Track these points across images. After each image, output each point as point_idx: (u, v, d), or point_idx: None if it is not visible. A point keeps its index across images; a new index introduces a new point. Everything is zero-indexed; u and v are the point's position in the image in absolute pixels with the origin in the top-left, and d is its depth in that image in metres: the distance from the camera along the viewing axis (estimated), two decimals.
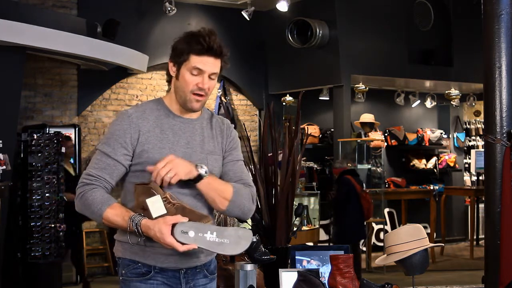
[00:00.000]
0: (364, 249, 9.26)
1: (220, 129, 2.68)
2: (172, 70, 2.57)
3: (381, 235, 10.20)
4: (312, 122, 10.47)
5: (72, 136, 8.17)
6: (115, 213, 2.43)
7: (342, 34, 9.10)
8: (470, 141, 12.13)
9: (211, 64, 2.50)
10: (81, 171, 7.93)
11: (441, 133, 11.59)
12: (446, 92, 10.52)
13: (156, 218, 2.38)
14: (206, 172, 2.49)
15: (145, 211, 2.41)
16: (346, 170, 7.87)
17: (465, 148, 12.04)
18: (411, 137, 11.18)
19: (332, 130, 9.71)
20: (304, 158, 9.58)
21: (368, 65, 9.37)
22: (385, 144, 10.46)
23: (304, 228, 7.75)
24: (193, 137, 2.59)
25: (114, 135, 2.51)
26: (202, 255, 2.59)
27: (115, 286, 2.64)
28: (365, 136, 10.22)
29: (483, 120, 6.14)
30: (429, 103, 11.16)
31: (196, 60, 2.49)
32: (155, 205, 2.40)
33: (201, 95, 2.53)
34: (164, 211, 2.40)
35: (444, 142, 11.67)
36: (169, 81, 2.64)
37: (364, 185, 8.17)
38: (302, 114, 4.56)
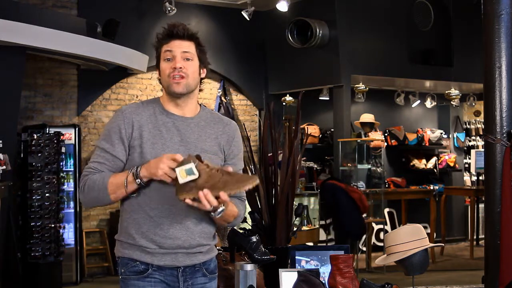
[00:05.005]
0: (364, 249, 9.26)
1: (223, 131, 2.68)
2: (157, 70, 2.67)
3: (381, 235, 10.20)
4: (312, 122, 10.46)
5: (72, 136, 8.16)
6: (117, 176, 2.51)
7: (342, 34, 9.09)
8: (470, 141, 12.13)
9: (178, 45, 2.58)
10: (81, 171, 7.91)
11: (441, 133, 11.58)
12: (446, 92, 10.51)
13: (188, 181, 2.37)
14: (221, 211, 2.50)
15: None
16: (327, 178, 8.02)
17: (465, 148, 12.04)
18: (411, 137, 11.17)
19: (332, 130, 9.70)
20: (304, 158, 9.58)
21: (368, 65, 9.36)
22: (385, 144, 10.45)
23: (304, 228, 7.75)
24: (188, 135, 2.60)
25: (111, 131, 2.58)
26: (201, 254, 2.61)
27: (115, 286, 2.66)
28: (365, 136, 10.22)
29: (483, 120, 6.14)
30: (429, 103, 11.15)
31: (165, 47, 2.60)
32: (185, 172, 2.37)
33: (178, 77, 2.57)
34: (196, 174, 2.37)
35: (444, 142, 11.66)
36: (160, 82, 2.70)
37: (353, 184, 8.27)
38: (302, 114, 4.56)
